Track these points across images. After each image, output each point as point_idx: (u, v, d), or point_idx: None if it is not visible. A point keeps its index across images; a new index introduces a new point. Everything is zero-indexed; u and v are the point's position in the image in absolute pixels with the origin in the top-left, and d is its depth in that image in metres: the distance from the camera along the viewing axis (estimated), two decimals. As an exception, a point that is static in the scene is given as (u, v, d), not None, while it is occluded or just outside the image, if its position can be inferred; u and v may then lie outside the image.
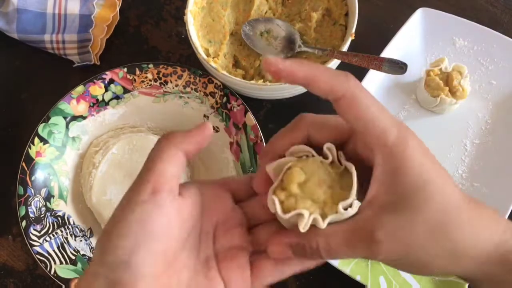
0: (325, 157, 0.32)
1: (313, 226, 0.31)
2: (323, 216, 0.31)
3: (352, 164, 0.32)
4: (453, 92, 0.65)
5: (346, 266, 0.61)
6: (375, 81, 0.69)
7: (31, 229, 0.61)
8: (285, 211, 0.31)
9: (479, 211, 0.32)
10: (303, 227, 0.30)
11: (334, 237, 0.31)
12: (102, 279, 0.29)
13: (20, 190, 0.62)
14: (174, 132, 0.33)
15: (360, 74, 0.67)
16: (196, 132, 0.33)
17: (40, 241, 0.61)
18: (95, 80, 0.67)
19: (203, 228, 0.34)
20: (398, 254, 0.31)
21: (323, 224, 0.30)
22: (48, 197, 0.63)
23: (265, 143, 0.63)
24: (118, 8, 0.76)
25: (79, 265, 0.60)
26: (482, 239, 0.32)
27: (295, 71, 0.31)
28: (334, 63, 0.63)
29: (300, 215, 0.30)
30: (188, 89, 0.68)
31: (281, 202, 0.31)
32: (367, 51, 0.63)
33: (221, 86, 0.66)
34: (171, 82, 0.68)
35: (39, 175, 0.63)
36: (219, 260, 0.34)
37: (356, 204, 0.31)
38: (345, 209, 0.31)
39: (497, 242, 0.32)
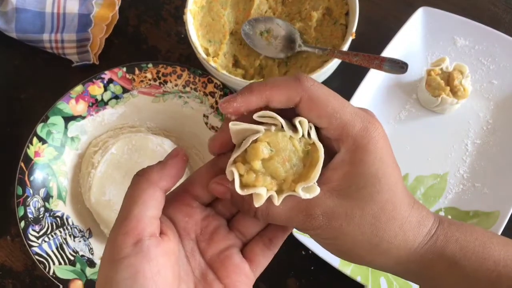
0: (295, 131, 0.31)
1: None
2: (279, 193, 0.31)
3: (321, 145, 0.31)
4: (454, 92, 0.65)
5: (347, 267, 0.60)
6: (375, 80, 0.68)
7: (30, 230, 0.60)
8: (243, 185, 0.30)
9: (417, 213, 0.33)
10: (258, 204, 0.30)
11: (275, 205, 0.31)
12: None
13: (19, 190, 0.62)
14: (149, 169, 0.31)
15: (360, 73, 0.67)
16: (171, 164, 0.32)
17: (39, 241, 0.60)
18: (94, 80, 0.67)
19: (186, 249, 0.33)
20: (328, 234, 0.32)
21: (277, 202, 0.30)
22: (47, 198, 0.63)
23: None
24: (117, 8, 0.76)
25: (78, 265, 0.60)
26: (406, 244, 0.32)
27: (250, 101, 0.30)
28: (335, 62, 0.63)
29: (259, 196, 0.30)
30: (187, 89, 0.67)
31: (240, 175, 0.30)
32: (368, 50, 0.62)
33: (221, 86, 0.66)
34: (171, 81, 0.67)
35: (38, 175, 0.63)
36: (215, 269, 0.34)
37: (317, 190, 0.30)
38: (303, 190, 0.30)
39: (419, 242, 0.33)
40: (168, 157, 0.32)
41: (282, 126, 0.31)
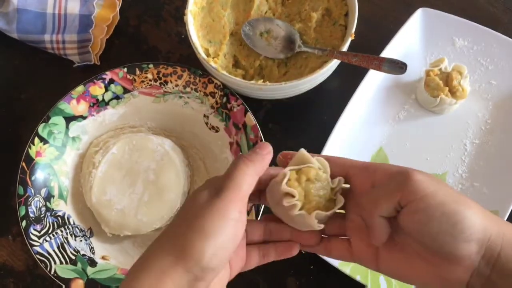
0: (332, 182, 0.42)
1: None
2: (308, 211, 0.40)
3: (342, 200, 0.41)
4: (453, 92, 0.65)
5: (346, 266, 0.61)
6: (375, 81, 0.69)
7: (31, 229, 0.61)
8: (287, 185, 0.40)
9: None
10: (294, 211, 0.39)
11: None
12: (188, 275, 0.34)
13: (20, 190, 0.62)
14: (249, 158, 0.38)
15: (360, 74, 0.67)
16: (259, 152, 0.39)
17: (40, 241, 0.61)
18: (95, 80, 0.67)
19: None
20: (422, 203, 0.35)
21: (296, 212, 0.40)
22: (48, 197, 0.64)
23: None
24: (118, 8, 0.76)
25: (79, 265, 0.60)
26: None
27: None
28: (334, 63, 0.63)
29: (295, 205, 0.39)
30: (188, 89, 0.68)
31: (289, 179, 0.40)
32: (367, 51, 0.63)
33: (221, 86, 0.66)
34: (171, 82, 0.68)
35: (39, 175, 0.63)
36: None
37: (319, 227, 0.40)
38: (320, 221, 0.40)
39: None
40: (256, 147, 0.40)
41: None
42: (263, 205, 0.60)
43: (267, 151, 0.40)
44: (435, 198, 0.35)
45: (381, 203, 0.37)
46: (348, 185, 0.42)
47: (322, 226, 0.40)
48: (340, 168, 0.41)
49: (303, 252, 0.63)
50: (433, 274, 0.36)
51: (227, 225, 0.35)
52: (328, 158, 0.41)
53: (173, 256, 0.34)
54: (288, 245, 0.43)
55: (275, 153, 0.61)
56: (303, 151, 0.41)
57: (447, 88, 0.65)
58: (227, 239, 0.35)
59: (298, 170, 0.41)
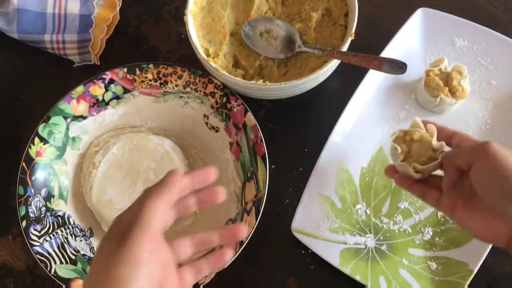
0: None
1: None
2: (408, 162, 0.53)
3: (439, 160, 0.51)
4: (452, 92, 0.65)
5: (346, 266, 0.61)
6: (375, 81, 0.69)
7: (31, 229, 0.61)
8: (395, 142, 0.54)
9: None
10: (398, 162, 0.53)
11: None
12: None
13: (20, 190, 0.62)
14: (154, 185, 0.39)
15: (360, 74, 0.67)
16: (171, 183, 0.39)
17: (40, 241, 0.61)
18: (95, 80, 0.67)
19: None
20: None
21: (411, 170, 0.52)
22: (48, 197, 0.64)
23: (265, 143, 0.63)
24: (118, 8, 0.76)
25: (79, 264, 0.61)
26: None
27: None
28: (334, 63, 0.63)
29: (398, 156, 0.54)
30: (188, 89, 0.68)
31: (397, 137, 0.54)
32: (367, 51, 0.63)
33: (221, 86, 0.66)
34: (171, 82, 0.68)
35: (39, 175, 0.64)
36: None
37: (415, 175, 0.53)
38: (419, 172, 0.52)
39: None
40: (166, 176, 0.40)
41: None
42: (263, 204, 0.60)
43: (176, 179, 0.39)
44: (503, 162, 0.42)
45: (459, 156, 0.47)
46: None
47: (418, 175, 0.52)
48: (446, 135, 0.51)
49: (302, 251, 0.64)
50: (487, 226, 0.45)
51: (139, 271, 0.34)
52: (440, 128, 0.52)
53: None
54: (219, 255, 0.43)
55: (274, 151, 0.64)
56: (417, 118, 0.55)
57: (447, 88, 0.65)
58: (144, 283, 0.34)
59: (406, 131, 0.54)
